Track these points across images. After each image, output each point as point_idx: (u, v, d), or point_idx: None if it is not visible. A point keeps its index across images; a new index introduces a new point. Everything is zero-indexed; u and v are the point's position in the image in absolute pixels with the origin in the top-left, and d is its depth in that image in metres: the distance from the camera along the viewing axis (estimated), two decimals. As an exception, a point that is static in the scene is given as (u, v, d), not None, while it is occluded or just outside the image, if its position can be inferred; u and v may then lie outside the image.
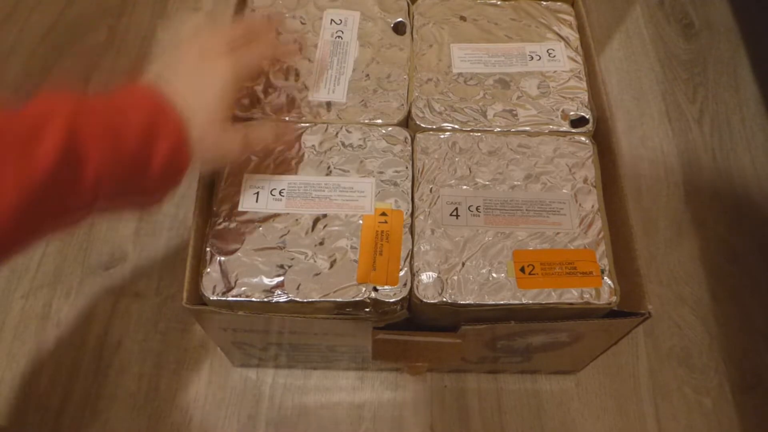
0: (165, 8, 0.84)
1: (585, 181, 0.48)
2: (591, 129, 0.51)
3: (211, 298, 0.43)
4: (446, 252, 0.45)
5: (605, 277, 0.44)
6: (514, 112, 0.51)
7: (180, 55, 0.40)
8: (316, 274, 0.44)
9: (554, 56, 0.55)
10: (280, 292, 0.43)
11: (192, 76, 0.39)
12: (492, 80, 0.53)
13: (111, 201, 0.35)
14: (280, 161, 0.48)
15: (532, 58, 0.54)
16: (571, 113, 0.51)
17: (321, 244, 0.45)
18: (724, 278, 0.66)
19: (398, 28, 0.56)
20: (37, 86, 0.76)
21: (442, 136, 0.50)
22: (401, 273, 0.44)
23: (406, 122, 0.52)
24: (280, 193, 0.47)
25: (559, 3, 0.58)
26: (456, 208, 0.47)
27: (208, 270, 0.44)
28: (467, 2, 0.58)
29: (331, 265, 0.44)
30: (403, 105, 0.51)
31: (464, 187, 0.48)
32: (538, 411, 0.58)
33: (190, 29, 0.43)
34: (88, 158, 0.32)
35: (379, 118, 0.51)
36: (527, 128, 0.51)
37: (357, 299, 0.43)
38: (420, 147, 0.50)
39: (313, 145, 0.49)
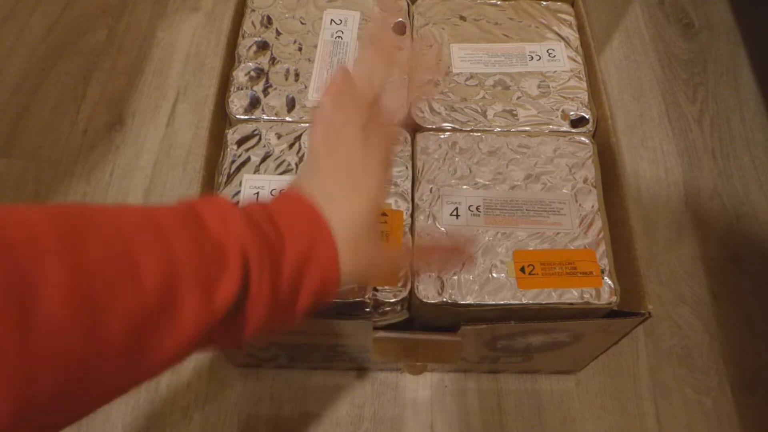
0: (165, 8, 0.84)
1: (585, 181, 0.48)
2: (591, 129, 0.51)
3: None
4: (446, 252, 0.45)
5: (605, 277, 0.44)
6: (514, 112, 0.51)
7: (317, 148, 0.34)
8: (317, 274, 0.44)
9: (554, 56, 0.55)
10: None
11: (338, 182, 0.32)
12: (492, 80, 0.53)
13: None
14: None
15: (532, 58, 0.54)
16: (571, 113, 0.51)
17: (321, 244, 0.45)
18: (724, 278, 0.66)
19: (398, 28, 0.56)
20: (38, 86, 0.76)
21: (442, 136, 0.50)
22: (401, 273, 0.44)
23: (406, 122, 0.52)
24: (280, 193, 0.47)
25: (559, 3, 0.58)
26: (456, 208, 0.47)
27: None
28: (467, 2, 0.58)
29: (331, 265, 0.44)
30: (403, 105, 0.51)
31: (464, 187, 0.48)
32: (538, 411, 0.58)
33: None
34: (248, 300, 0.28)
35: (379, 118, 0.50)
36: (527, 128, 0.51)
37: (357, 300, 0.43)
38: (420, 147, 0.50)
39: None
